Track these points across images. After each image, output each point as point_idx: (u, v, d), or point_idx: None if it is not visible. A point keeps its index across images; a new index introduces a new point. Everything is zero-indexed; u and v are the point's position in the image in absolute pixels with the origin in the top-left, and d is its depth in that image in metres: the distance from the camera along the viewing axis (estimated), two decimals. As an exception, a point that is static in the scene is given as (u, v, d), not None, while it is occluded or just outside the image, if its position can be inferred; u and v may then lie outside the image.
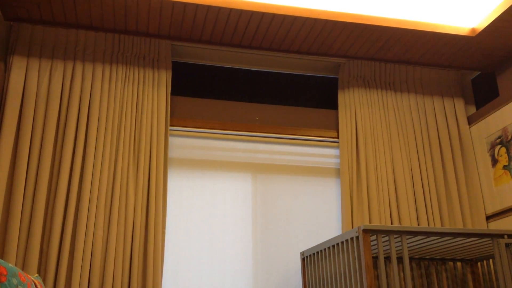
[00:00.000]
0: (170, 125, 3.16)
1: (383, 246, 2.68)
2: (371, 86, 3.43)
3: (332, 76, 3.64)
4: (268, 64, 3.49)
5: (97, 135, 2.84)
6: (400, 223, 3.13)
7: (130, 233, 2.72)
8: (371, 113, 3.36)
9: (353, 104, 3.35)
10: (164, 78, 3.07)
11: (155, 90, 3.03)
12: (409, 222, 3.12)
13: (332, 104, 3.55)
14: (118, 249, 2.68)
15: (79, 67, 2.95)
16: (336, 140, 3.42)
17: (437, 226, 3.18)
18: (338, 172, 3.40)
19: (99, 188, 2.75)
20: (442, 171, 3.33)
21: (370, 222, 3.08)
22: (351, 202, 3.13)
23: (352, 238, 2.37)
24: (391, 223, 3.12)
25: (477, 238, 2.49)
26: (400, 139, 3.33)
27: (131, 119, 2.94)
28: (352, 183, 3.16)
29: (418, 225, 3.15)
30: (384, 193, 3.17)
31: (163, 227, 2.83)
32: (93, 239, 2.66)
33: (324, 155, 3.42)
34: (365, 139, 3.28)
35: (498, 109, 3.25)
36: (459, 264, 3.18)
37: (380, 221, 3.09)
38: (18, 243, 2.57)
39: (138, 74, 3.04)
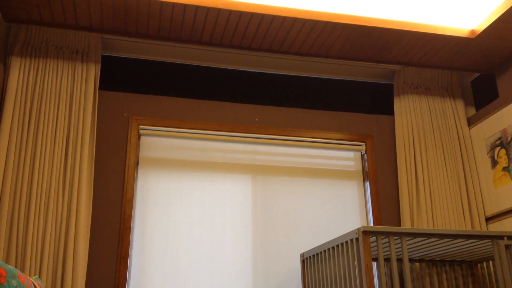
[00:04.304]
0: (167, 126, 3.16)
1: (383, 248, 2.68)
2: (416, 92, 3.52)
3: (333, 78, 3.64)
4: (270, 65, 3.49)
5: (63, 133, 2.87)
6: (450, 226, 3.23)
7: (54, 232, 2.69)
8: (421, 119, 3.47)
9: (408, 111, 3.43)
10: (93, 72, 3.01)
11: (82, 84, 2.97)
12: (450, 225, 3.23)
13: (336, 105, 3.55)
14: (51, 247, 2.66)
15: (71, 67, 2.98)
16: (339, 142, 3.43)
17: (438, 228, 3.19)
18: (337, 174, 3.41)
19: (40, 187, 2.73)
20: (446, 173, 3.35)
21: (428, 226, 3.16)
22: (410, 207, 3.21)
23: (352, 240, 2.37)
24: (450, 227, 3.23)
25: (477, 240, 2.49)
26: (427, 142, 3.42)
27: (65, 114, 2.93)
28: (411, 189, 3.24)
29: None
30: (435, 197, 3.26)
31: (86, 226, 2.77)
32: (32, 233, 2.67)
33: (325, 156, 3.42)
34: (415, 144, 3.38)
35: (498, 111, 3.25)
36: (459, 265, 3.17)
37: (434, 225, 3.18)
38: (6, 239, 2.60)
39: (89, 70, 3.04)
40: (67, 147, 2.85)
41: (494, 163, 3.24)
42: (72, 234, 2.68)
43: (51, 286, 2.58)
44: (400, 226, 3.25)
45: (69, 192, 2.76)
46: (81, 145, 2.85)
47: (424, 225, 3.15)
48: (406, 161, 3.32)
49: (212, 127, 3.22)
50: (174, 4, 2.74)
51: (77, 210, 2.74)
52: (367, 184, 3.39)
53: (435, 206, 3.23)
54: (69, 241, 2.66)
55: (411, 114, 3.43)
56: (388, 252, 2.76)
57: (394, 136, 3.52)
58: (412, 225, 3.17)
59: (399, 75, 3.52)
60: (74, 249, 2.67)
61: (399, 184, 3.27)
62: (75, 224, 2.72)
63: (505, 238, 2.48)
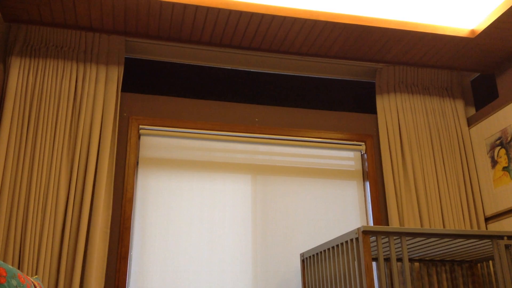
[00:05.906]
0: (167, 126, 3.16)
1: (383, 248, 2.68)
2: (408, 91, 3.51)
3: (333, 78, 3.64)
4: (270, 65, 3.49)
5: (74, 131, 2.87)
6: (444, 226, 3.23)
7: (52, 233, 2.67)
8: (407, 116, 3.46)
9: (395, 109, 3.41)
10: (116, 74, 3.02)
11: (100, 86, 2.98)
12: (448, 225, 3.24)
13: (336, 105, 3.55)
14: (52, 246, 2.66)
15: (73, 67, 2.98)
16: (339, 141, 3.43)
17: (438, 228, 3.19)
18: (337, 174, 3.41)
19: (39, 188, 2.72)
20: (445, 173, 3.36)
21: (427, 226, 3.17)
22: (397, 206, 3.22)
23: (351, 240, 2.37)
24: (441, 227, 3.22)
25: (476, 240, 2.49)
26: (418, 141, 3.41)
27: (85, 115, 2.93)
28: (398, 188, 3.24)
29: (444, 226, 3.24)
30: (432, 197, 3.26)
31: (106, 227, 2.78)
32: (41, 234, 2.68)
33: (325, 156, 3.42)
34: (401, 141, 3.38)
35: (498, 111, 3.25)
36: (458, 265, 3.17)
37: (430, 225, 3.18)
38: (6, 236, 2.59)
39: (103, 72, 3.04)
40: (74, 147, 2.84)
41: (494, 163, 3.24)
42: (84, 236, 2.69)
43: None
44: (394, 226, 3.25)
45: (80, 193, 2.76)
46: (100, 147, 2.85)
47: (423, 225, 3.15)
48: (392, 160, 3.30)
49: (212, 127, 3.22)
50: (174, 4, 2.74)
51: (91, 211, 2.74)
52: (367, 184, 3.39)
53: (434, 206, 3.22)
54: (82, 243, 2.67)
55: (398, 112, 3.40)
56: (388, 252, 2.76)
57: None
58: (402, 224, 3.17)
59: (381, 74, 3.50)
60: (87, 251, 2.68)
61: (385, 183, 3.26)
62: (88, 227, 2.72)
63: (505, 238, 2.49)
